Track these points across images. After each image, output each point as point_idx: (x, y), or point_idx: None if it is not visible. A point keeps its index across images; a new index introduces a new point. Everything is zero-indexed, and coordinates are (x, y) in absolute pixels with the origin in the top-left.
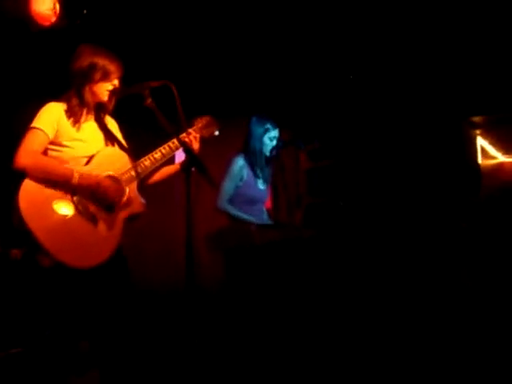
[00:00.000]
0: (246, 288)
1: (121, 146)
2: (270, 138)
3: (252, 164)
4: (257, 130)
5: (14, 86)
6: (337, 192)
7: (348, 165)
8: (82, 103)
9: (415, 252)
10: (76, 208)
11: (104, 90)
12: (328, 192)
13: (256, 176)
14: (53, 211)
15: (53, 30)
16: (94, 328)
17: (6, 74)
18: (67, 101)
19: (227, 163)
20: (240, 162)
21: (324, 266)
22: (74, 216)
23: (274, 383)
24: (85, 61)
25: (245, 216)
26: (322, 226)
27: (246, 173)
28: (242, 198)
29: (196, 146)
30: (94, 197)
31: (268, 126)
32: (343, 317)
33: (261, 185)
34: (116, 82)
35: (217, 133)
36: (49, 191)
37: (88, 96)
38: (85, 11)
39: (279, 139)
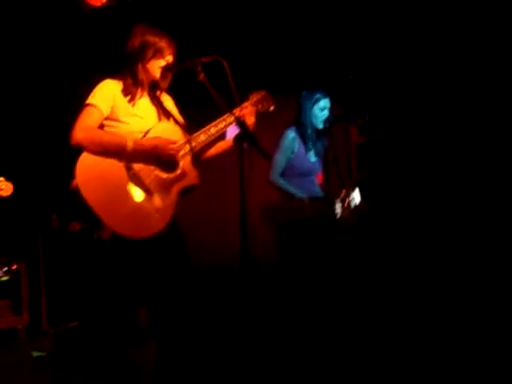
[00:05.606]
0: (297, 262)
1: (176, 122)
2: (320, 108)
3: (304, 137)
4: (306, 102)
5: (69, 64)
6: (388, 166)
7: (399, 139)
8: (136, 82)
9: (465, 227)
10: (132, 180)
11: (156, 67)
12: (379, 166)
13: (308, 148)
14: (109, 184)
15: (105, 9)
16: (152, 299)
17: (62, 55)
18: (122, 80)
19: (280, 137)
20: (291, 135)
21: (375, 240)
22: (129, 188)
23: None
24: (136, 40)
25: (295, 191)
26: (374, 200)
27: (298, 145)
28: (293, 170)
29: (251, 120)
30: (151, 160)
31: (317, 96)
32: (397, 294)
33: (312, 157)
34: (169, 57)
35: (272, 108)
36: (105, 163)
37: (141, 74)
38: None
39: (330, 112)
